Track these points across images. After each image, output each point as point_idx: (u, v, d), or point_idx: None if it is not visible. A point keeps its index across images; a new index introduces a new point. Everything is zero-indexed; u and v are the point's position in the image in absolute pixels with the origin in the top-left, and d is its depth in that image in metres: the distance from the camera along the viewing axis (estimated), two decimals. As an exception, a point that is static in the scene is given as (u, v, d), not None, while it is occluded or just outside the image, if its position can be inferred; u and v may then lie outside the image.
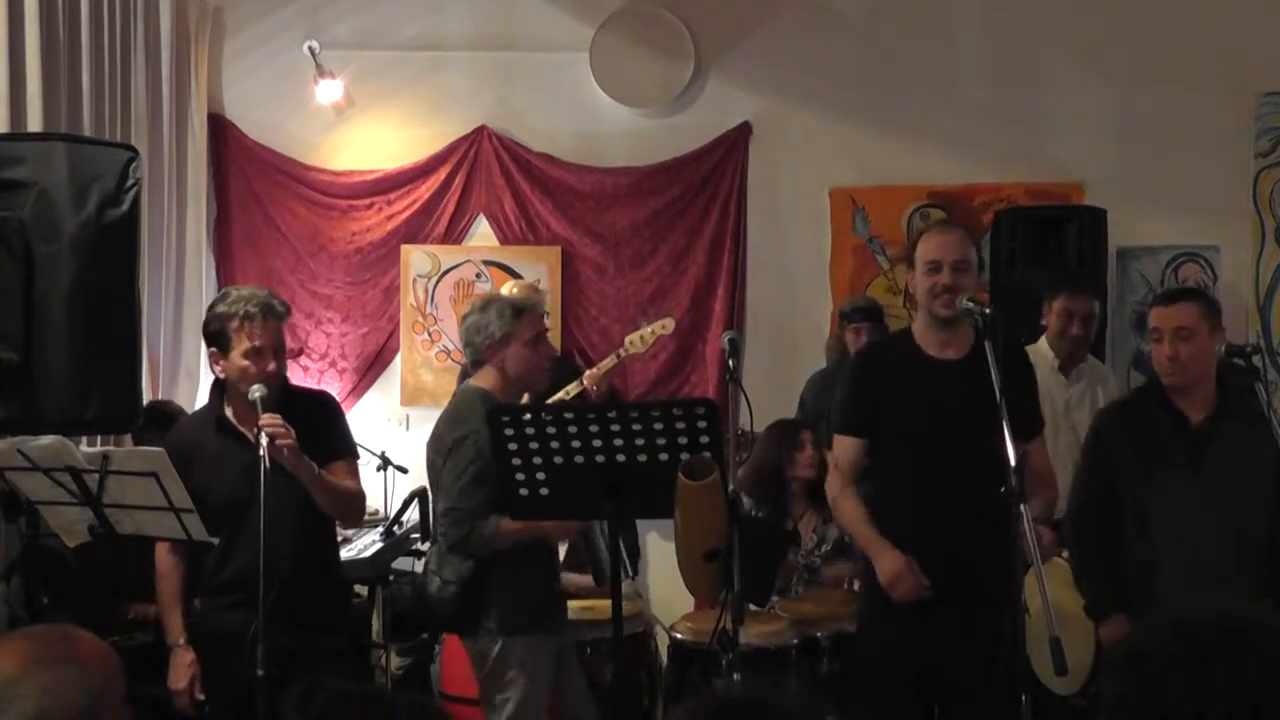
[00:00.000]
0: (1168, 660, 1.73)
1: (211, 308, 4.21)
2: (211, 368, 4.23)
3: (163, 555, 4.21)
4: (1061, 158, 7.18)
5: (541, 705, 4.48)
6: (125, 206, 4.40)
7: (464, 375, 6.15)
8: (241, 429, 4.14)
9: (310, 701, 1.99)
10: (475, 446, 4.27)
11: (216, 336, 4.10)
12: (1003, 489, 3.53)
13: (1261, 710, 1.67)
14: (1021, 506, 3.49)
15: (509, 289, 6.49)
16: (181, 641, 4.14)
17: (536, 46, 7.46)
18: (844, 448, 4.24)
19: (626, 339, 6.34)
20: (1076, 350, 5.72)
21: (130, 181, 4.42)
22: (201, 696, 4.10)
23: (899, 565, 3.98)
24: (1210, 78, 6.97)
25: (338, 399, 6.35)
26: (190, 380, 6.84)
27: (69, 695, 2.21)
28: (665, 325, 6.42)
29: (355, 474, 4.35)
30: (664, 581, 5.88)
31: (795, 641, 4.88)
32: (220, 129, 7.50)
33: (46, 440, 3.86)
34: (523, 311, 4.48)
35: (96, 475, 3.79)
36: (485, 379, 4.49)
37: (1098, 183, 7.07)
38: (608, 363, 6.15)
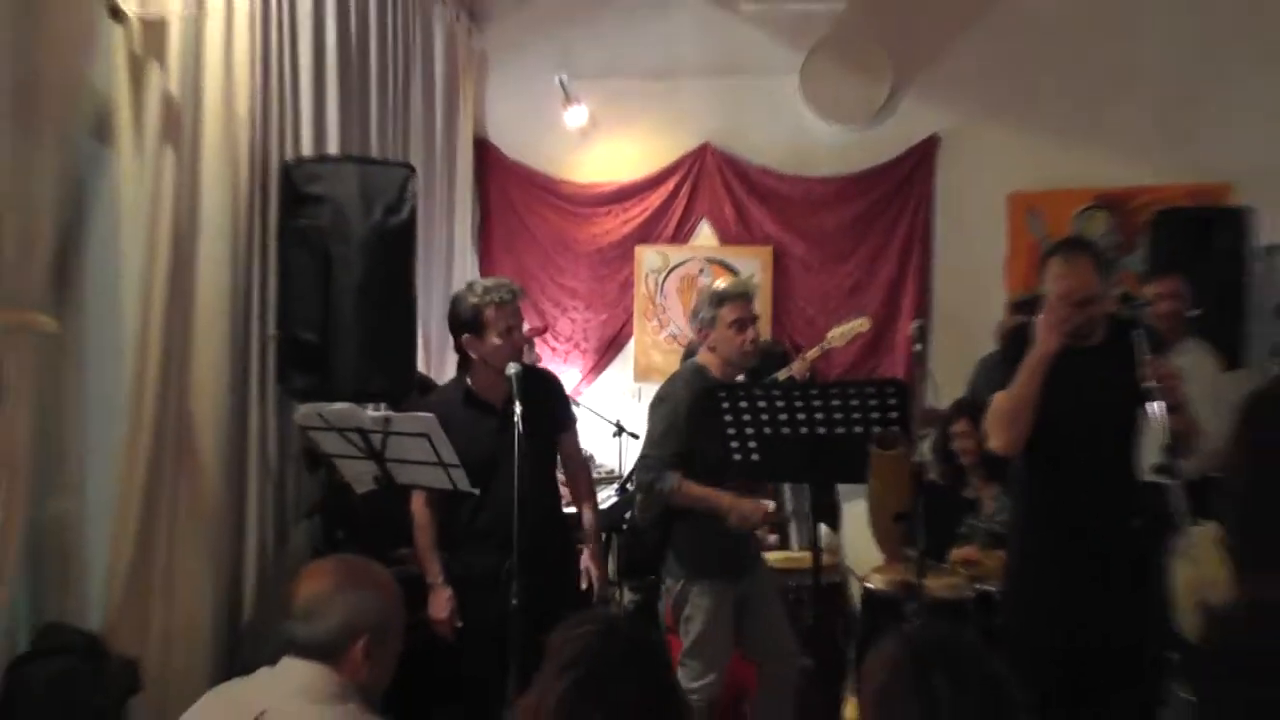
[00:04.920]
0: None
1: (462, 300, 4.16)
2: (467, 350, 4.20)
3: (419, 508, 4.20)
4: (1214, 161, 6.70)
5: (720, 643, 4.37)
6: (404, 215, 4.55)
7: (688, 354, 6.24)
8: (486, 399, 4.18)
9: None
10: (672, 408, 4.34)
11: (471, 323, 4.10)
12: (1161, 466, 3.34)
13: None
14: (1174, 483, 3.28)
15: (719, 283, 6.45)
16: (440, 580, 4.15)
17: (754, 72, 7.41)
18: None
19: (829, 333, 6.24)
20: (1173, 327, 5.12)
21: (409, 194, 4.56)
22: (460, 624, 4.12)
23: None
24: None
25: (578, 375, 6.43)
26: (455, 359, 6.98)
27: (368, 612, 2.36)
28: (863, 324, 6.31)
29: (578, 441, 4.43)
30: (858, 537, 5.77)
31: (970, 595, 4.73)
32: (484, 150, 7.69)
33: (340, 406, 3.97)
34: (724, 299, 4.44)
35: (380, 435, 3.86)
36: (703, 356, 4.52)
37: (1248, 182, 6.55)
38: (813, 353, 6.07)
